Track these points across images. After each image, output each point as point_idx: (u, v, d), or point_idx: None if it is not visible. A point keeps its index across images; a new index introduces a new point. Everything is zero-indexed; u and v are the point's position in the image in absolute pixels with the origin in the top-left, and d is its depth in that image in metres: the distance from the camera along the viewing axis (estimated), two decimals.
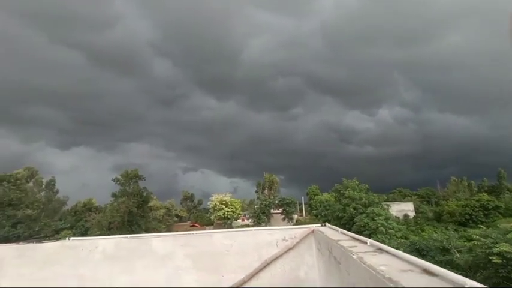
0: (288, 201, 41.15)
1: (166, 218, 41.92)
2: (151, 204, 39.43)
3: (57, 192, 42.78)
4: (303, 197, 53.44)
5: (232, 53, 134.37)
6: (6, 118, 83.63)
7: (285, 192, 52.53)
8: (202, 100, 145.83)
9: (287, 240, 4.03)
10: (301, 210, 54.65)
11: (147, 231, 32.68)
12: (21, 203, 25.30)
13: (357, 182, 29.25)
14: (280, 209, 42.34)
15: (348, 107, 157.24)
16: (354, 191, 27.16)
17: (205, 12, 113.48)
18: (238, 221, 44.98)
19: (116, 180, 36.76)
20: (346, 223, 25.80)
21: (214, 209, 37.44)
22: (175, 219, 47.17)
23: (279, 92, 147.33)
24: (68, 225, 40.00)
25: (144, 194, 36.41)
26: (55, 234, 31.70)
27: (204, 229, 43.83)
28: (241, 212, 41.47)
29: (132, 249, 3.90)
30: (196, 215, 54.43)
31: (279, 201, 41.34)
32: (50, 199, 39.64)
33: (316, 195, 45.39)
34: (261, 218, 39.26)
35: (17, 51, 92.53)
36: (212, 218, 39.04)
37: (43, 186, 41.42)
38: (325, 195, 42.16)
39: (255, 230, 4.44)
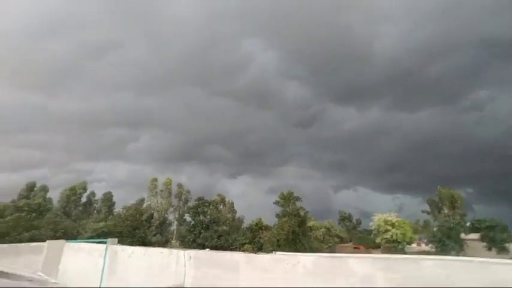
0: (488, 223, 29.69)
1: (327, 238, 41.82)
2: (310, 224, 40.97)
3: (235, 212, 54.49)
4: None
5: (362, 51, 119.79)
6: (198, 157, 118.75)
7: (480, 211, 38.69)
8: (340, 113, 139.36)
9: None
10: None
11: (311, 250, 33.78)
12: (219, 221, 34.30)
13: None
14: (477, 234, 31.12)
15: None
16: None
17: (321, 15, 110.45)
18: (413, 245, 37.25)
19: (276, 202, 41.81)
20: None
21: (379, 231, 33.19)
22: (336, 239, 46.08)
23: (438, 79, 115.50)
24: (248, 240, 48.87)
25: (302, 214, 38.61)
26: (241, 247, 39.63)
27: (370, 252, 39.63)
28: (413, 235, 34.23)
29: (330, 268, 4.07)
30: (358, 237, 50.58)
31: (473, 223, 30.58)
32: (233, 218, 50.77)
33: None
34: (446, 244, 30.53)
35: (195, 110, 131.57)
36: (378, 240, 34.70)
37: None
38: None
39: (478, 261, 3.42)
